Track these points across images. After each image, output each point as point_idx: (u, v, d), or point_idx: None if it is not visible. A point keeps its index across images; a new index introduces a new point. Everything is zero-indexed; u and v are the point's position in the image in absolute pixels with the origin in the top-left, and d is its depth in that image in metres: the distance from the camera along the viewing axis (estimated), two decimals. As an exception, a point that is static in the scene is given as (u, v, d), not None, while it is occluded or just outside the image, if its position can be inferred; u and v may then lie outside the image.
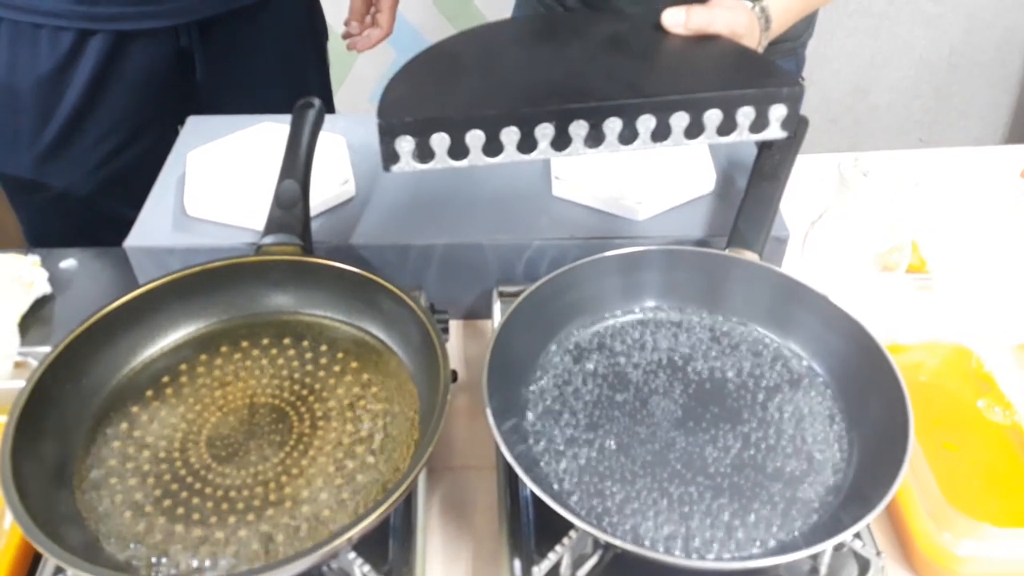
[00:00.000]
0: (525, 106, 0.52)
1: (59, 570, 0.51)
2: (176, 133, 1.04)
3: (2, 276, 0.77)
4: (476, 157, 0.53)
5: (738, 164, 0.77)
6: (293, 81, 1.05)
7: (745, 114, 0.54)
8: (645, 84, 0.55)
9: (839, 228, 0.74)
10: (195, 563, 0.50)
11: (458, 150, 0.52)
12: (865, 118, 2.08)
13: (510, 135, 0.52)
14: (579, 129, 0.53)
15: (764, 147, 0.69)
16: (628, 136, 0.54)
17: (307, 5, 1.07)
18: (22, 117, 0.92)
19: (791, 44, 0.96)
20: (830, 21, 1.87)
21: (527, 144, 0.53)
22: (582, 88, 0.54)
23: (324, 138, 0.73)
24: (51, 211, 0.99)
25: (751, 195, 0.66)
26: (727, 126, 0.54)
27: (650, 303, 0.65)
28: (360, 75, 1.85)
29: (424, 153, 0.52)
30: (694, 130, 0.54)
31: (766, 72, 0.57)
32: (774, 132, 0.55)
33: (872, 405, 0.55)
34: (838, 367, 0.59)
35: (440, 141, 0.52)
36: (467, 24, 1.82)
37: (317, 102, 0.71)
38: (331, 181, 0.73)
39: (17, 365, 0.68)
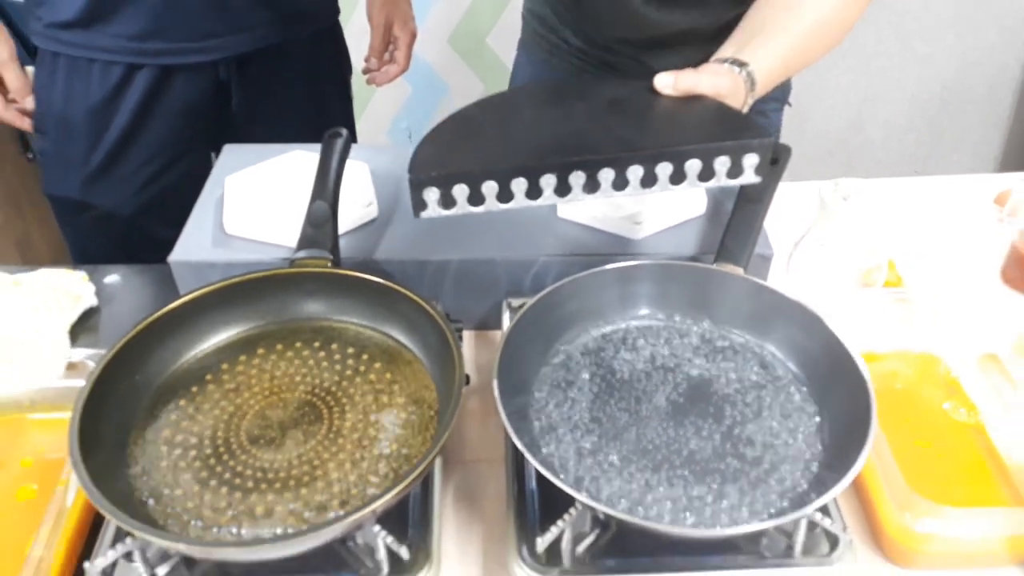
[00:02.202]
0: (531, 160, 0.60)
1: (118, 532, 0.58)
2: (210, 159, 1.13)
3: (54, 289, 0.84)
4: (491, 204, 0.61)
5: (727, 189, 0.84)
6: (319, 112, 1.14)
7: (722, 163, 0.61)
8: (635, 139, 0.62)
9: (821, 247, 0.81)
10: (234, 530, 0.56)
11: (476, 198, 0.60)
12: (860, 152, 2.15)
13: (519, 185, 0.60)
14: (578, 179, 0.60)
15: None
16: (620, 184, 0.61)
17: (333, 43, 1.15)
18: (73, 143, 1.00)
19: (763, 106, 1.02)
20: (825, 59, 1.96)
21: (534, 192, 0.61)
22: (581, 144, 0.62)
23: (350, 165, 0.80)
24: (96, 230, 1.06)
25: (737, 216, 0.73)
26: (706, 174, 0.62)
27: (644, 311, 0.72)
28: (378, 107, 1.94)
29: (447, 201, 0.60)
30: (677, 177, 0.61)
31: (742, 126, 0.65)
32: (749, 178, 0.62)
33: (840, 397, 0.61)
34: (810, 365, 0.66)
35: (460, 191, 0.60)
36: (479, 62, 1.91)
37: (345, 132, 0.78)
38: (356, 203, 0.81)
39: (69, 367, 0.74)
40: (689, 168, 0.61)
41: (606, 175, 0.61)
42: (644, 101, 0.68)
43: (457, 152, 0.63)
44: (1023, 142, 2.16)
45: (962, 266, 0.91)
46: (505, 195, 0.61)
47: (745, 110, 0.72)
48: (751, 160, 0.62)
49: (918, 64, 2.03)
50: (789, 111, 1.14)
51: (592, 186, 0.61)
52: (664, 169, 0.61)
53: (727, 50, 0.75)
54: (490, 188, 0.60)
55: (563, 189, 0.61)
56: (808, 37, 0.76)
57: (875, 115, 2.11)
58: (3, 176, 1.68)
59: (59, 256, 1.86)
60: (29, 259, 1.77)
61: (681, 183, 0.62)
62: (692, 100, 0.68)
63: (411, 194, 0.60)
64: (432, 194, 0.60)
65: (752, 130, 0.63)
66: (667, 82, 0.68)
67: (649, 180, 0.61)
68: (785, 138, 1.03)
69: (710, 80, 0.68)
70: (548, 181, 0.60)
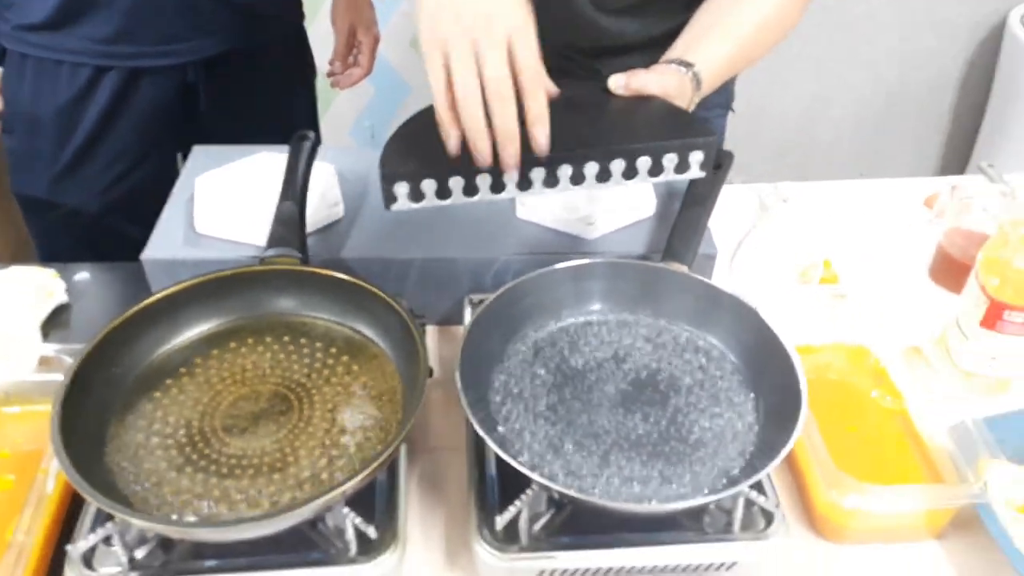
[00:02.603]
0: (495, 158, 0.64)
1: (97, 517, 0.60)
2: (176, 160, 1.15)
3: (26, 286, 0.86)
4: (458, 197, 0.65)
5: (674, 192, 0.89)
6: (284, 113, 1.17)
7: (670, 159, 0.66)
8: (590, 137, 0.66)
9: (761, 247, 0.87)
10: (209, 512, 0.59)
11: (443, 192, 0.64)
12: (811, 152, 2.24)
13: (484, 180, 0.64)
14: (538, 175, 0.65)
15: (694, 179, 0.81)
16: (577, 179, 0.65)
17: (298, 46, 1.18)
18: (41, 142, 1.02)
19: (706, 112, 1.06)
20: (777, 63, 2.03)
21: (497, 186, 0.65)
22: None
23: (316, 166, 0.83)
24: (63, 228, 1.08)
25: (682, 218, 0.78)
26: (656, 169, 0.66)
27: (596, 306, 0.77)
28: (341, 107, 1.96)
29: (416, 195, 0.64)
30: (630, 173, 0.66)
31: (688, 125, 0.70)
32: (694, 172, 0.67)
33: (774, 384, 0.67)
34: (748, 356, 0.71)
35: (429, 185, 0.63)
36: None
37: (311, 135, 0.82)
38: (323, 203, 0.84)
39: (41, 362, 0.77)
40: (640, 164, 0.66)
41: (564, 171, 0.65)
42: (598, 100, 0.72)
43: (425, 148, 0.65)
44: (961, 142, 2.26)
45: (893, 265, 0.97)
46: (471, 190, 0.64)
47: (691, 108, 0.76)
48: (696, 157, 0.66)
49: (863, 68, 2.11)
50: (744, 113, 1.18)
51: (551, 181, 0.65)
52: (618, 165, 0.65)
53: (674, 52, 0.79)
54: (456, 183, 0.64)
55: (524, 184, 0.65)
56: (751, 37, 0.81)
57: (824, 117, 2.19)
58: (-38, 173, 1.67)
59: (19, 253, 1.85)
60: (-12, 255, 1.76)
61: (633, 178, 0.66)
62: (642, 100, 0.72)
63: (382, 187, 0.63)
64: (402, 188, 0.63)
65: (698, 129, 0.68)
66: (619, 83, 0.72)
67: (604, 175, 0.65)
68: (738, 140, 1.08)
69: (658, 80, 0.72)
70: (511, 177, 0.64)
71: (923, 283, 0.96)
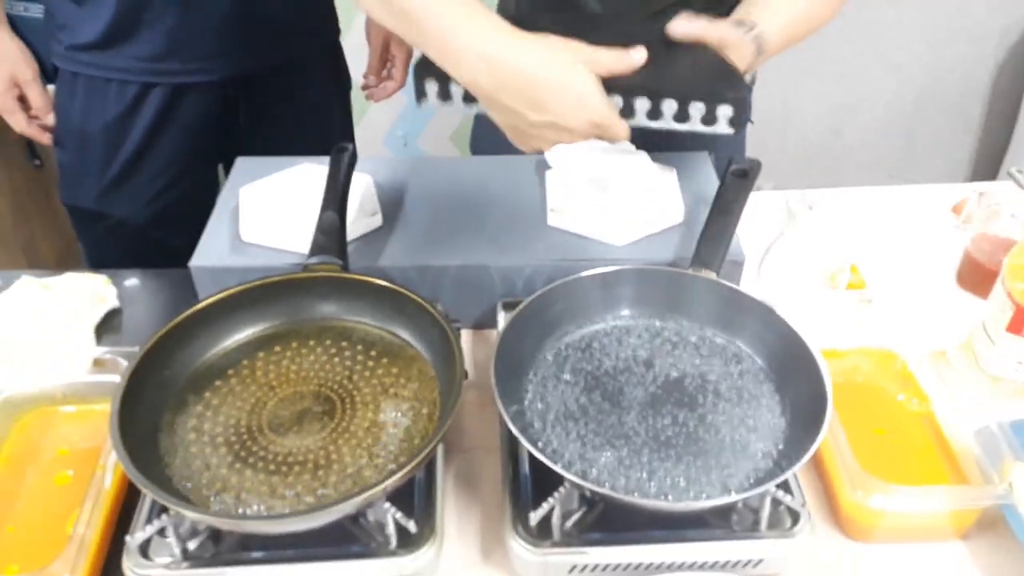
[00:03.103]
0: None
1: (153, 510, 0.64)
2: (218, 172, 1.19)
3: (80, 292, 0.90)
4: (483, 105, 0.65)
5: (703, 199, 0.91)
6: (321, 125, 1.20)
7: (697, 108, 0.66)
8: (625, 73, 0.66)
9: (789, 253, 0.88)
10: (257, 506, 0.63)
11: (469, 96, 0.65)
12: (840, 157, 2.23)
13: None
14: None
15: (722, 185, 0.83)
16: None
17: (334, 60, 1.22)
18: (90, 156, 1.07)
19: None
20: (805, 68, 2.04)
21: None
22: None
23: (355, 177, 0.86)
24: (110, 238, 1.13)
25: (710, 225, 0.80)
26: (681, 116, 0.66)
27: (626, 312, 0.79)
28: (375, 118, 2.00)
29: (444, 93, 0.65)
30: (654, 114, 0.66)
31: (725, 78, 0.69)
32: (722, 128, 0.66)
33: (800, 387, 0.68)
34: (774, 359, 0.73)
35: (456, 87, 0.65)
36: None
37: (350, 147, 0.85)
38: (362, 213, 0.87)
39: (95, 363, 0.80)
40: (665, 108, 0.65)
41: None
42: (654, 43, 0.71)
43: None
44: (992, 148, 2.25)
45: (921, 270, 0.98)
46: None
47: (751, 70, 0.75)
48: (724, 111, 0.66)
49: (892, 73, 2.11)
50: (771, 118, 1.19)
51: None
52: (642, 104, 0.65)
53: (737, 14, 0.78)
54: None
55: None
56: (809, 4, 0.80)
57: (852, 122, 2.19)
58: (11, 183, 1.73)
59: (64, 260, 1.91)
60: (34, 263, 1.82)
61: (658, 120, 0.66)
62: (697, 50, 0.72)
63: (414, 81, 0.65)
64: (431, 85, 0.65)
65: (732, 83, 0.67)
66: (679, 27, 0.72)
67: (627, 111, 0.66)
68: (765, 145, 1.09)
69: (716, 30, 0.72)
70: None
71: (950, 288, 0.97)
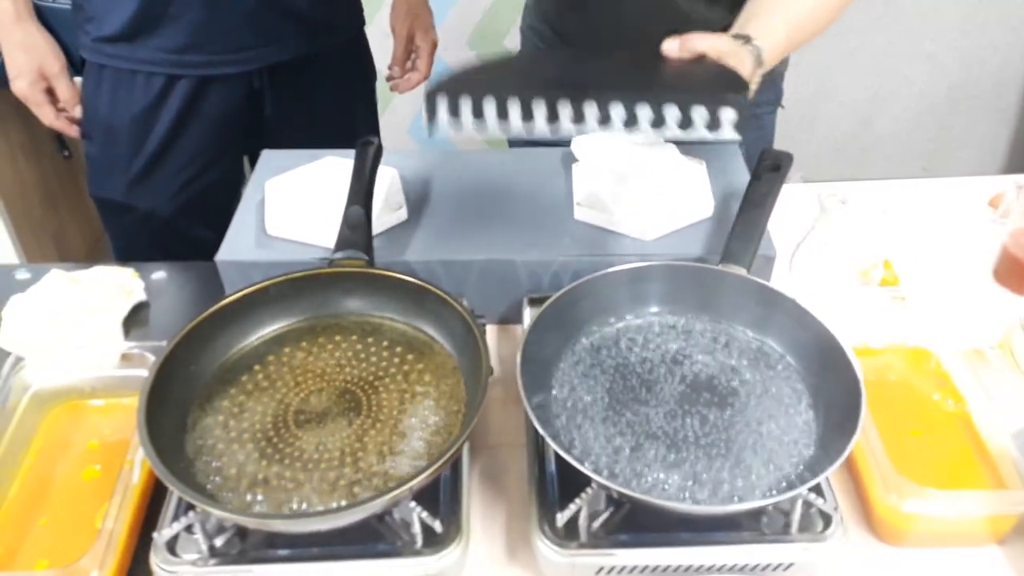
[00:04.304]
0: (527, 87, 0.65)
1: (179, 506, 0.64)
2: (243, 164, 1.19)
3: (108, 285, 0.91)
4: (491, 122, 0.65)
5: (733, 193, 0.89)
6: (346, 116, 1.20)
7: (699, 114, 0.64)
8: (620, 81, 0.67)
9: (820, 248, 0.86)
10: (283, 504, 0.62)
11: (478, 113, 0.65)
12: (870, 148, 2.20)
13: (514, 107, 0.65)
14: (564, 109, 0.65)
15: (754, 178, 0.81)
16: (604, 119, 0.65)
17: (359, 51, 1.21)
18: (118, 148, 1.07)
19: (768, 75, 1.06)
20: (835, 57, 2.00)
21: (526, 115, 0.65)
22: (573, 82, 0.68)
23: (380, 171, 0.85)
24: (137, 229, 1.13)
25: (741, 220, 0.78)
26: (685, 122, 0.65)
27: (654, 308, 0.78)
28: (399, 108, 2.00)
29: (454, 110, 0.65)
30: (657, 122, 0.65)
31: (725, 82, 0.68)
32: (727, 133, 0.65)
33: (833, 387, 0.67)
34: (807, 358, 0.71)
35: (465, 104, 0.65)
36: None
37: (376, 140, 0.84)
38: (387, 207, 0.87)
39: (123, 357, 0.81)
40: (668, 114, 0.64)
41: (591, 109, 0.64)
42: (650, 58, 0.72)
43: (469, 76, 0.69)
44: (1028, 139, 2.20)
45: (956, 265, 0.96)
46: (502, 113, 0.65)
47: (754, 84, 0.74)
48: (728, 115, 0.64)
49: (926, 63, 2.07)
50: (802, 108, 1.17)
51: (578, 117, 0.65)
52: (645, 113, 0.64)
53: (733, 29, 0.78)
54: (490, 105, 0.65)
55: (552, 117, 0.65)
56: (808, 12, 0.80)
57: (884, 113, 2.15)
58: (41, 174, 1.75)
59: (92, 250, 1.94)
60: (64, 253, 1.84)
61: (661, 127, 0.65)
62: (696, 61, 0.71)
63: (424, 102, 0.66)
64: (442, 101, 0.65)
65: (733, 87, 0.67)
66: (673, 45, 0.71)
67: (631, 121, 0.65)
68: (795, 136, 1.07)
69: (711, 41, 0.71)
70: (539, 109, 0.65)
71: (987, 284, 0.94)
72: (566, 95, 0.64)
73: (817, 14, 0.81)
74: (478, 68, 0.72)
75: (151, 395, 0.65)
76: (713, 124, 0.65)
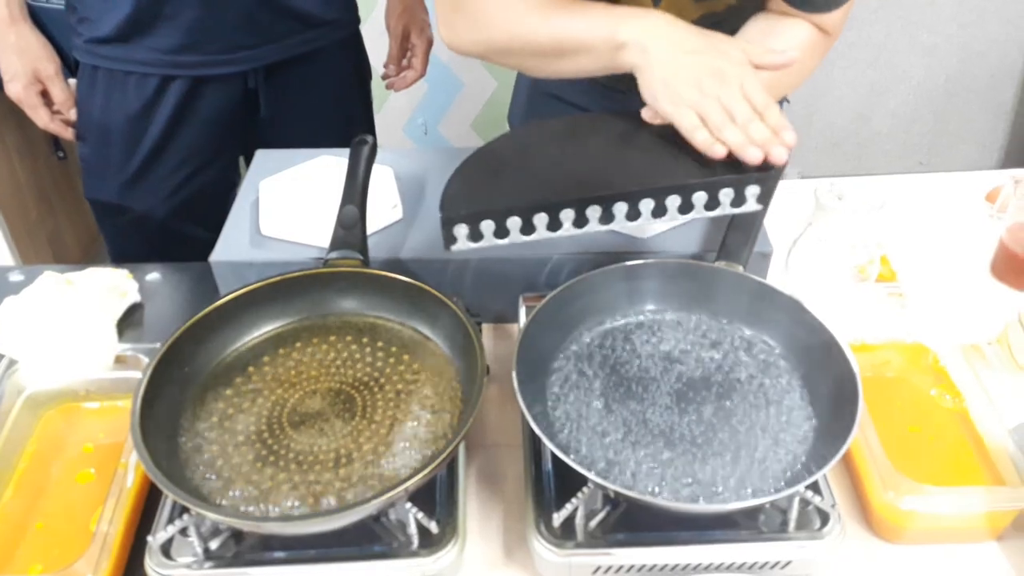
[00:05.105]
0: (552, 197, 0.66)
1: (174, 510, 0.64)
2: (239, 164, 1.19)
3: (102, 287, 0.90)
4: (515, 237, 0.66)
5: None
6: (341, 114, 1.19)
7: (726, 194, 0.66)
8: (646, 173, 0.67)
9: (817, 244, 0.86)
10: (278, 507, 0.62)
11: (501, 232, 0.66)
12: (867, 143, 2.19)
13: (541, 219, 0.66)
14: (594, 212, 0.66)
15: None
16: (633, 215, 0.66)
17: (354, 50, 1.21)
18: (112, 150, 1.07)
19: None
20: (832, 52, 1.99)
21: (554, 225, 0.66)
22: (597, 180, 0.67)
23: (375, 169, 0.85)
24: (132, 231, 1.13)
25: (737, 217, 0.78)
26: (712, 204, 0.67)
27: (651, 306, 0.77)
28: (394, 105, 1.99)
29: (475, 235, 0.66)
30: (685, 208, 0.67)
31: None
32: (751, 206, 0.67)
33: (830, 384, 0.67)
34: (803, 355, 0.71)
35: (487, 226, 0.65)
36: (494, 65, 1.95)
37: (371, 139, 0.84)
38: (382, 206, 0.86)
39: (117, 359, 0.80)
40: (696, 200, 0.66)
41: (620, 208, 0.66)
42: (652, 133, 0.72)
43: (483, 189, 0.68)
44: (1026, 132, 2.20)
45: (953, 261, 0.95)
46: (528, 229, 0.66)
47: None
48: (753, 191, 0.67)
49: (923, 56, 2.06)
50: (799, 103, 1.17)
51: (607, 218, 0.66)
52: (673, 201, 0.66)
53: None
54: (514, 223, 0.66)
55: (580, 221, 0.66)
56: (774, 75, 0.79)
57: (882, 107, 2.15)
58: (37, 176, 1.75)
59: (88, 252, 1.93)
60: (60, 255, 1.84)
61: (689, 212, 0.67)
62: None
63: (442, 230, 0.65)
64: (461, 230, 0.65)
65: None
66: (649, 114, 0.72)
67: (659, 211, 0.66)
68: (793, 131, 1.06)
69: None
70: (567, 215, 0.66)
71: (984, 279, 0.94)
72: (595, 201, 0.65)
73: (802, 59, 0.80)
74: (486, 169, 0.69)
75: (145, 397, 0.65)
76: (738, 201, 0.67)
